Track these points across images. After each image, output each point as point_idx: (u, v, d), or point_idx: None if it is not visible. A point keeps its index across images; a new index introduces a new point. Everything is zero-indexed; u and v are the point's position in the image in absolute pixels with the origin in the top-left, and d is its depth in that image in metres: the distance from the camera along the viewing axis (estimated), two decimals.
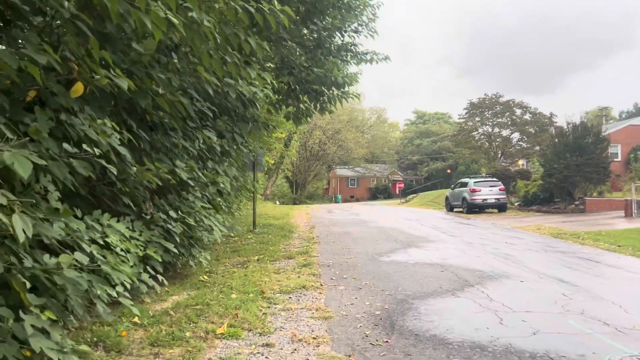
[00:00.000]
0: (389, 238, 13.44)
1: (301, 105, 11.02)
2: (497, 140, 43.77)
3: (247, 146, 11.75)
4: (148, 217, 6.36)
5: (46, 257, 3.53)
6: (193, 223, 6.64)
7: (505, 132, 43.64)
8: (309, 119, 11.35)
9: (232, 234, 13.83)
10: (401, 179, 70.15)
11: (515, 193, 28.84)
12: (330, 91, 10.52)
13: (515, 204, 27.51)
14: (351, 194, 72.51)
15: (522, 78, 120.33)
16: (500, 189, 25.18)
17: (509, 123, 42.45)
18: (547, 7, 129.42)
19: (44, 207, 3.74)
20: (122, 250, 4.27)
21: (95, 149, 4.06)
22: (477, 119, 43.54)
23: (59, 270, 3.42)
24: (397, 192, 66.98)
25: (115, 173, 4.48)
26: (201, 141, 7.91)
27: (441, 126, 78.72)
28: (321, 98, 10.59)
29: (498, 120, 43.03)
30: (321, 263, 9.44)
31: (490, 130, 43.62)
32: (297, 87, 10.40)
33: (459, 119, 45.10)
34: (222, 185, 7.89)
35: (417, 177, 75.61)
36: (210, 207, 7.93)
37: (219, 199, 8.70)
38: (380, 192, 72.35)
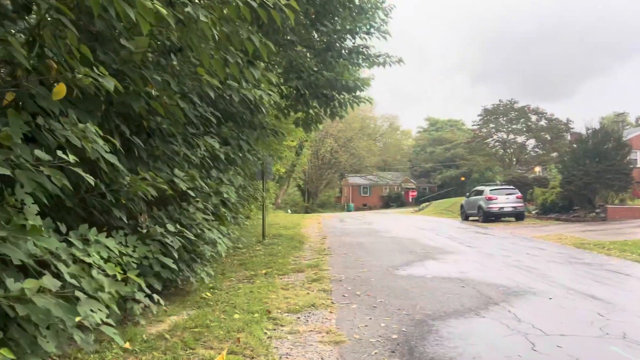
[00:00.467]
0: (404, 249, 12.85)
1: (310, 111, 10.53)
2: (512, 147, 42.99)
3: (255, 154, 11.30)
4: (144, 230, 5.88)
5: (10, 282, 3.04)
6: (193, 237, 6.14)
7: (520, 139, 42.88)
8: (318, 125, 10.85)
9: (240, 246, 13.34)
10: (414, 187, 69.47)
11: (533, 201, 28.07)
12: (341, 96, 10.02)
13: (533, 212, 26.73)
14: (363, 203, 71.83)
15: (537, 84, 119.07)
16: (517, 197, 24.44)
17: (524, 129, 41.69)
18: (563, 12, 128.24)
19: (11, 224, 3.26)
20: (100, 272, 3.76)
21: (71, 157, 3.55)
22: (491, 125, 42.82)
23: (22, 297, 2.93)
24: (410, 200, 66.29)
25: (93, 183, 3.98)
26: (203, 148, 7.46)
27: (454, 133, 77.89)
28: (331, 103, 10.09)
29: (513, 126, 42.28)
30: (332, 277, 8.89)
31: (505, 137, 42.84)
32: (307, 92, 9.92)
33: (473, 125, 44.41)
34: (226, 195, 7.40)
35: (430, 185, 74.72)
36: (214, 218, 7.45)
37: (224, 210, 8.21)
38: (393, 201, 71.59)
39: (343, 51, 10.36)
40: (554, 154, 40.37)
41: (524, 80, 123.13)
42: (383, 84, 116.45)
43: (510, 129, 42.33)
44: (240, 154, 8.87)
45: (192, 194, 6.42)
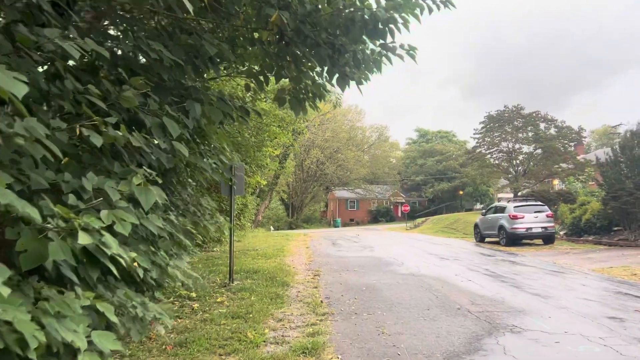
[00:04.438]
0: (446, 304, 8.33)
1: (302, 77, 6.01)
2: (519, 157, 38.87)
3: (211, 153, 6.84)
4: None
5: None
6: None
7: (527, 149, 38.79)
8: (317, 100, 6.31)
9: (191, 300, 8.77)
10: (404, 200, 65.31)
11: (558, 219, 23.81)
12: (360, 44, 5.55)
13: (561, 232, 22.50)
14: (351, 217, 67.70)
15: (528, 98, 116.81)
16: (547, 216, 20.16)
17: (532, 139, 37.61)
18: (555, 27, 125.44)
19: None
20: None
21: None
22: (495, 134, 38.68)
23: None
24: (400, 214, 61.93)
25: None
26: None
27: (445, 145, 74.38)
28: (340, 58, 5.59)
29: (519, 135, 38.22)
30: None
31: (511, 146, 38.72)
32: (296, 38, 5.43)
33: (474, 134, 40.21)
34: (92, 239, 2.86)
35: (420, 199, 70.87)
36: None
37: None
38: (382, 215, 67.65)
39: None
40: (564, 165, 36.45)
41: (515, 94, 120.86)
42: (371, 95, 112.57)
43: (516, 137, 38.26)
44: (165, 143, 4.35)
45: None
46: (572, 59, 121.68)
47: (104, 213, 3.42)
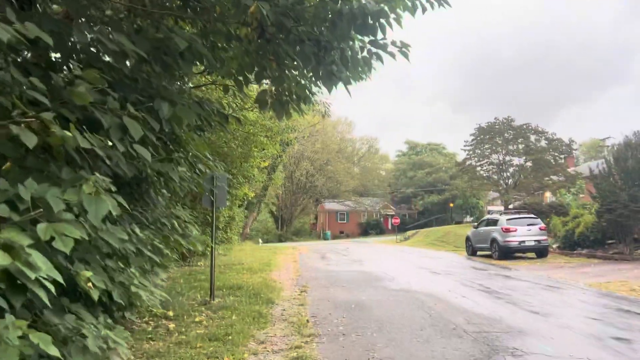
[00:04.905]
0: (440, 322, 7.80)
1: (285, 77, 5.50)
2: (509, 170, 38.61)
3: (188, 161, 6.35)
4: None
5: None
6: None
7: (517, 161, 38.56)
8: (303, 104, 5.80)
9: (170, 312, 8.16)
10: (394, 213, 64.86)
11: (550, 232, 23.40)
12: (348, 41, 5.08)
13: (554, 245, 22.09)
14: (341, 230, 67.02)
15: (516, 112, 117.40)
16: (540, 229, 19.78)
17: (522, 151, 37.41)
18: (544, 41, 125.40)
19: None
20: None
21: None
22: (486, 146, 38.44)
23: None
24: (390, 227, 61.42)
25: None
26: None
27: (435, 157, 74.25)
28: (327, 56, 5.11)
29: (509, 147, 38.01)
30: None
31: (501, 158, 38.46)
32: (278, 33, 4.94)
33: (465, 146, 39.96)
34: None
35: (410, 211, 70.44)
36: None
37: None
38: (372, 228, 67.04)
39: None
40: (555, 177, 36.23)
41: (504, 108, 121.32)
42: (361, 107, 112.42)
43: (507, 150, 38.04)
44: (123, 146, 3.82)
45: None
46: (561, 73, 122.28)
47: (41, 227, 2.90)
